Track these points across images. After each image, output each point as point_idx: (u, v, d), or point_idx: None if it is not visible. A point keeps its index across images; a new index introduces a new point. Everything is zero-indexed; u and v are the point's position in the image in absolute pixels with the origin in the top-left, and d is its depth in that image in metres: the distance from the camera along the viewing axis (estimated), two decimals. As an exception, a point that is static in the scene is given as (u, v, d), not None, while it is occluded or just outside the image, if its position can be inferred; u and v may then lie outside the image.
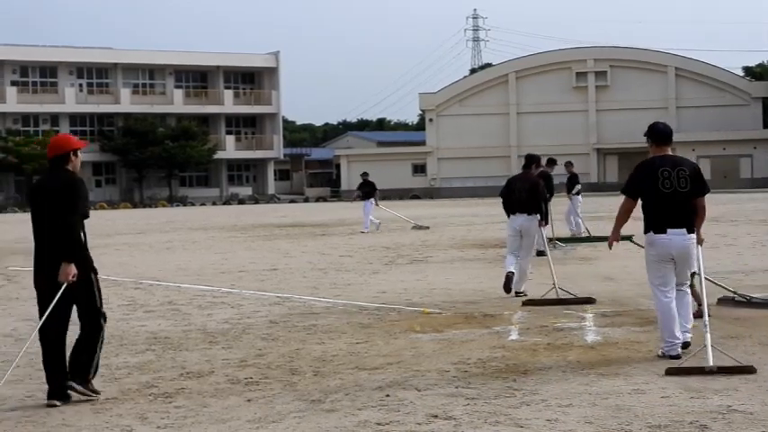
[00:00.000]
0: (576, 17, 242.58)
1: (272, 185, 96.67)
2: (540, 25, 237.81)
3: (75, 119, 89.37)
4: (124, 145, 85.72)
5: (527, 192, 14.84)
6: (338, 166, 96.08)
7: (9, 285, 18.62)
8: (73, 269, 8.13)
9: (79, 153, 8.72)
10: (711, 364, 8.62)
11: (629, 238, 13.88)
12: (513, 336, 10.97)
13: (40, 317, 8.34)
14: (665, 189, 9.30)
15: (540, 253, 21.21)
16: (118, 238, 34.01)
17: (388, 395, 8.13)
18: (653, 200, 9.39)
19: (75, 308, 8.40)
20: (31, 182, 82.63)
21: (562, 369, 9.02)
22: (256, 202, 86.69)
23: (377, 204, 34.26)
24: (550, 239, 21.16)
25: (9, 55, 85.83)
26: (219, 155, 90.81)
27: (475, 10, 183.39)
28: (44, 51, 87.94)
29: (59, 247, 8.17)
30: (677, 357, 9.18)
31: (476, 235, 29.29)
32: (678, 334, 9.34)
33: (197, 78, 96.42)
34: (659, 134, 9.59)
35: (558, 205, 25.89)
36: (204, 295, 15.84)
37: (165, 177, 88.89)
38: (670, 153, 9.63)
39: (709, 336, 8.98)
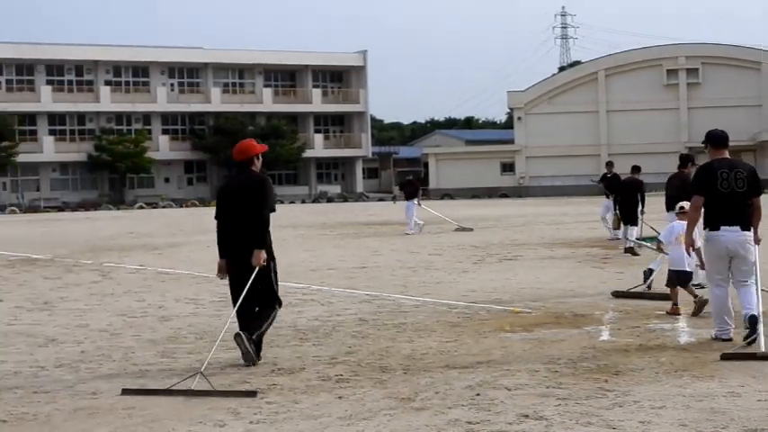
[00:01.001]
0: (666, 13, 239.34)
1: (360, 184, 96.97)
2: (630, 22, 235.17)
3: (167, 118, 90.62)
4: (215, 143, 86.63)
5: (677, 189, 15.48)
6: (426, 165, 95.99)
7: (104, 281, 18.95)
8: (264, 255, 9.57)
9: (260, 159, 9.97)
10: (763, 350, 9.44)
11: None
12: (605, 336, 10.88)
13: (232, 296, 9.86)
14: (723, 189, 10.07)
15: (631, 251, 21.13)
16: (210, 235, 34.28)
17: (478, 394, 8.12)
18: (711, 199, 10.14)
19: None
20: (124, 180, 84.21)
21: (655, 370, 8.91)
22: (345, 200, 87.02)
23: (419, 204, 33.51)
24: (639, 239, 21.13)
25: (103, 55, 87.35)
26: (308, 153, 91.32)
27: (563, 7, 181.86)
28: (136, 52, 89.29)
29: (253, 237, 9.59)
30: (729, 340, 10.09)
31: (565, 234, 29.05)
32: (729, 321, 10.21)
33: (286, 77, 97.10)
34: (716, 139, 10.42)
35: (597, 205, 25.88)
36: (294, 293, 15.94)
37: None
38: (727, 156, 10.37)
39: (761, 326, 9.75)
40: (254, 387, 8.67)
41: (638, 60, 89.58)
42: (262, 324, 9.72)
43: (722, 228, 10.03)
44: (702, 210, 10.37)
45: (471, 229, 32.89)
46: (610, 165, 27.71)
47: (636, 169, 23.72)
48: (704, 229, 10.36)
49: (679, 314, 12.16)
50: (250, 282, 9.54)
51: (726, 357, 9.25)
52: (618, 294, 14.25)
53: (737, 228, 10.02)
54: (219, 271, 9.96)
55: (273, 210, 9.80)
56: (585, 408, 7.56)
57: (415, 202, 33.10)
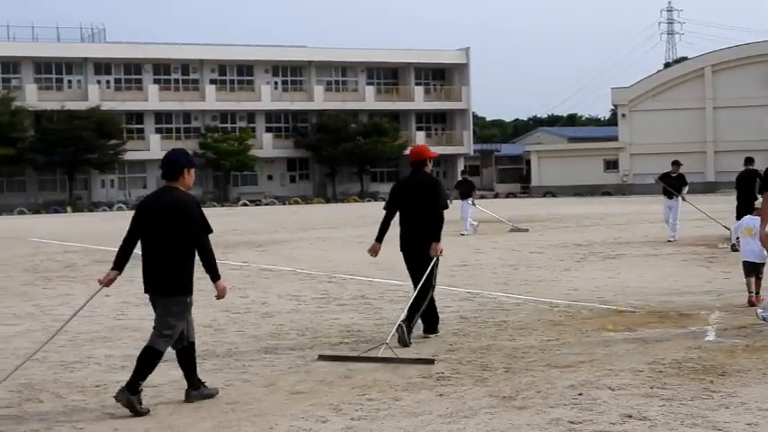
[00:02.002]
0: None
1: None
2: (738, 17, 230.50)
3: (271, 116, 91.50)
4: (317, 141, 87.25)
5: None
6: (528, 162, 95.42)
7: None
8: (440, 247, 10.93)
9: (431, 162, 11.33)
10: None
11: None
12: (710, 336, 10.70)
13: (413, 281, 11.10)
14: None
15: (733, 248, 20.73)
16: (312, 232, 34.63)
17: (580, 394, 8.05)
18: None
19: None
20: (228, 178, 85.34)
21: (762, 371, 8.74)
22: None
23: (473, 204, 32.43)
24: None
25: (208, 54, 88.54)
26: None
27: (669, 2, 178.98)
28: (241, 50, 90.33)
29: (431, 231, 10.87)
30: None
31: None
32: None
33: (388, 75, 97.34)
34: None
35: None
36: (395, 290, 15.99)
37: (357, 173, 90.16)
38: None
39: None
40: (355, 383, 8.72)
41: (746, 56, 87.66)
42: (415, 314, 10.91)
43: None
44: None
45: (527, 230, 32.11)
46: (676, 164, 26.62)
47: (749, 161, 23.00)
48: None
49: (755, 304, 12.28)
50: (429, 268, 10.85)
51: None
52: None
53: None
54: (372, 250, 11.46)
55: (446, 206, 11.10)
56: (690, 409, 7.44)
57: (470, 202, 32.15)
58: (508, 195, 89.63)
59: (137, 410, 7.83)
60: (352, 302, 14.67)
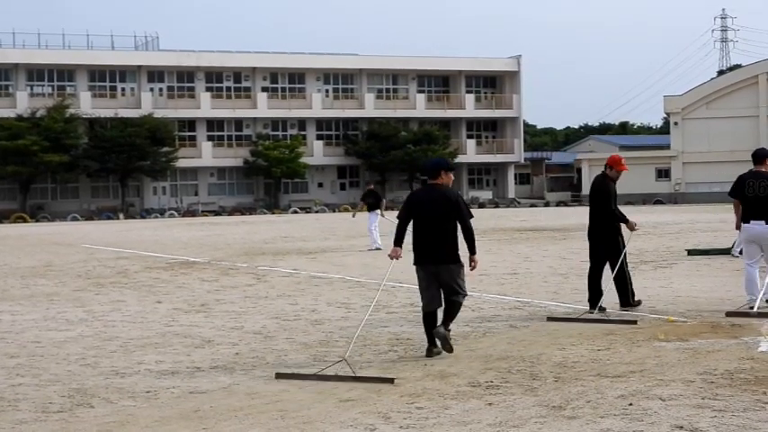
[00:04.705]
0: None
1: (512, 189, 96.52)
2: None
3: (322, 123, 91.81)
4: (368, 149, 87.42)
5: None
6: (579, 171, 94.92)
7: (259, 284, 19.31)
8: (633, 222, 13.77)
9: (613, 170, 13.89)
10: (755, 309, 12.89)
11: None
12: (764, 347, 10.58)
13: (596, 259, 13.96)
14: (748, 194, 13.17)
15: None
16: (361, 239, 34.63)
17: (630, 404, 7.99)
18: (743, 200, 13.26)
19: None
20: (279, 185, 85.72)
21: (816, 383, 8.63)
22: (496, 205, 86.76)
23: (382, 215, 30.06)
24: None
25: (260, 62, 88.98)
26: (460, 159, 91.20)
27: (723, 10, 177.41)
28: (293, 58, 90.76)
29: (609, 221, 13.72)
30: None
31: (723, 242, 28.27)
32: (755, 292, 13.21)
33: (439, 83, 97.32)
34: (754, 156, 13.48)
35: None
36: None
37: (407, 180, 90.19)
38: (763, 169, 13.21)
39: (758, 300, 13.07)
40: (404, 391, 8.72)
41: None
42: (626, 286, 14.05)
43: (752, 222, 13.17)
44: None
45: None
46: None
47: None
48: (740, 223, 13.40)
49: None
50: (622, 257, 13.80)
51: (730, 315, 12.93)
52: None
53: (763, 222, 13.10)
54: (630, 227, 13.80)
55: (608, 208, 13.63)
56: (743, 420, 7.36)
57: (378, 214, 30.03)
58: (559, 204, 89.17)
59: (450, 345, 10.43)
60: (402, 310, 14.68)
